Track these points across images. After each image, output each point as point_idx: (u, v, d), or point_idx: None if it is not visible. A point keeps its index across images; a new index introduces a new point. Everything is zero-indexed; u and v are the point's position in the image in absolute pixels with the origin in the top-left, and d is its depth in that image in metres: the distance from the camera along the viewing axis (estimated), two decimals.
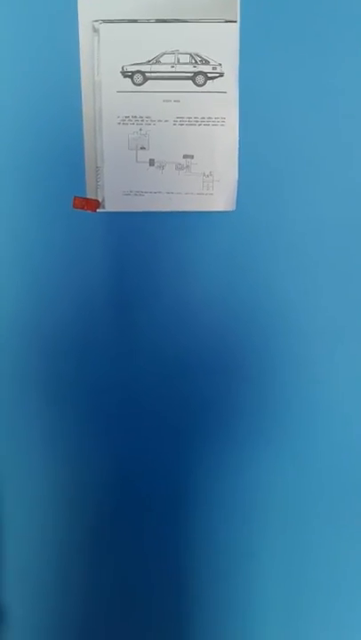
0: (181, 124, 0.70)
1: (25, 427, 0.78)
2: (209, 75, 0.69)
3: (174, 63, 0.69)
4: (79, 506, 0.80)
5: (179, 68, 0.69)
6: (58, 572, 0.83)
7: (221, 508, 0.81)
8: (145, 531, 0.82)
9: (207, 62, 0.69)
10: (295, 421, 0.78)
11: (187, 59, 0.68)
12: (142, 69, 0.69)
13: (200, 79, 0.69)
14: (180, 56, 0.68)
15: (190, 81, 0.69)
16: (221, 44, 0.68)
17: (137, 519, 0.81)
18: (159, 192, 0.72)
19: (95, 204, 0.72)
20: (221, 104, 0.69)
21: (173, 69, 0.69)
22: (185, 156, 0.71)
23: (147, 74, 0.69)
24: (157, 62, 0.68)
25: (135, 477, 0.80)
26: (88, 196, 0.72)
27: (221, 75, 0.69)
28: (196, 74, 0.69)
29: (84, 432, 0.79)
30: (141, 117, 0.70)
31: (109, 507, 0.81)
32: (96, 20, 0.67)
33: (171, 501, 0.81)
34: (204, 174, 0.71)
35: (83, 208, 0.72)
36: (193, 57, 0.68)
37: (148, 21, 0.67)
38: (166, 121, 0.70)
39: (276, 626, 0.84)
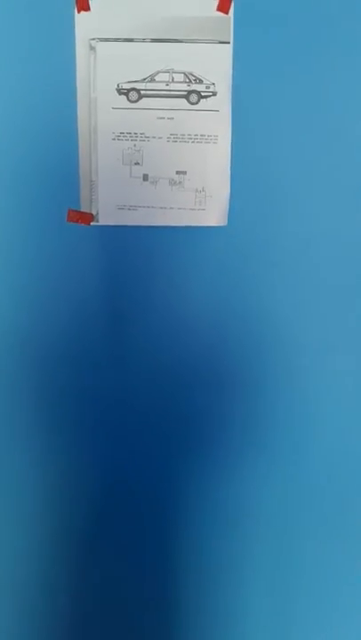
0: (175, 141, 0.71)
1: (17, 437, 0.78)
2: (202, 93, 0.70)
3: (169, 81, 0.70)
4: (71, 515, 0.80)
5: (173, 86, 0.70)
6: (47, 584, 0.82)
7: (214, 519, 0.81)
8: (137, 541, 0.81)
9: (201, 81, 0.70)
10: (288, 432, 0.79)
11: (181, 77, 0.70)
12: (137, 87, 0.70)
13: (194, 97, 0.70)
14: (174, 75, 0.70)
15: (184, 99, 0.70)
16: (215, 64, 0.70)
17: (129, 529, 0.81)
18: (152, 207, 0.73)
19: (89, 218, 0.73)
20: (214, 122, 0.71)
21: (168, 87, 0.70)
22: (178, 172, 0.72)
23: (142, 91, 0.70)
24: (152, 80, 0.70)
25: (127, 488, 0.80)
26: (82, 210, 0.73)
27: (214, 94, 0.70)
28: (190, 92, 0.70)
29: (76, 443, 0.79)
30: (136, 134, 0.71)
31: (101, 516, 0.81)
32: (93, 39, 0.69)
33: (164, 511, 0.81)
34: (196, 190, 0.73)
35: (77, 221, 0.73)
36: (187, 76, 0.70)
37: (143, 40, 0.69)
38: (160, 137, 0.71)
39: (268, 635, 0.84)
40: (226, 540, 0.81)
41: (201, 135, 0.71)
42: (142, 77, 0.70)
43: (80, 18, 0.68)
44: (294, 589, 0.83)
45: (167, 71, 0.70)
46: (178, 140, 0.71)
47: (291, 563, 0.82)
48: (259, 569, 0.82)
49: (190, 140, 0.71)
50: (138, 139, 0.71)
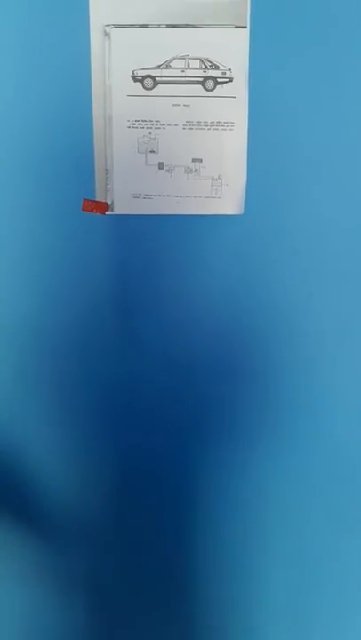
0: (191, 128, 0.71)
1: (31, 425, 0.78)
2: (219, 80, 0.69)
3: (184, 68, 0.69)
4: (86, 504, 0.81)
5: (189, 72, 0.69)
6: (61, 574, 0.83)
7: (224, 509, 0.81)
8: (147, 530, 0.82)
9: (217, 67, 0.69)
10: (299, 424, 0.79)
11: (197, 64, 0.69)
12: (153, 74, 0.69)
13: (210, 84, 0.70)
14: (190, 61, 0.69)
15: (200, 85, 0.70)
16: (231, 49, 0.68)
17: (139, 519, 0.81)
18: (168, 195, 0.72)
19: (104, 207, 0.73)
20: (230, 109, 0.70)
21: (183, 74, 0.69)
22: (194, 160, 0.72)
23: (157, 78, 0.69)
24: (168, 67, 0.69)
25: (138, 479, 0.80)
26: (97, 199, 0.72)
27: (231, 80, 0.69)
28: (206, 79, 0.69)
29: (87, 434, 0.79)
30: (151, 121, 0.70)
31: (116, 505, 0.81)
32: (107, 25, 0.68)
33: (173, 501, 0.81)
34: (212, 178, 0.72)
35: (92, 211, 0.72)
36: (203, 62, 0.69)
37: (158, 26, 0.68)
38: (176, 125, 0.70)
39: (279, 626, 0.84)
40: (237, 531, 0.81)
41: (217, 122, 0.70)
42: (158, 64, 0.69)
43: (94, 4, 0.68)
44: (306, 579, 0.83)
45: (183, 57, 0.69)
46: (194, 128, 0.71)
47: (303, 553, 0.82)
48: (270, 559, 0.82)
49: (206, 127, 0.70)
50: (153, 126, 0.70)
